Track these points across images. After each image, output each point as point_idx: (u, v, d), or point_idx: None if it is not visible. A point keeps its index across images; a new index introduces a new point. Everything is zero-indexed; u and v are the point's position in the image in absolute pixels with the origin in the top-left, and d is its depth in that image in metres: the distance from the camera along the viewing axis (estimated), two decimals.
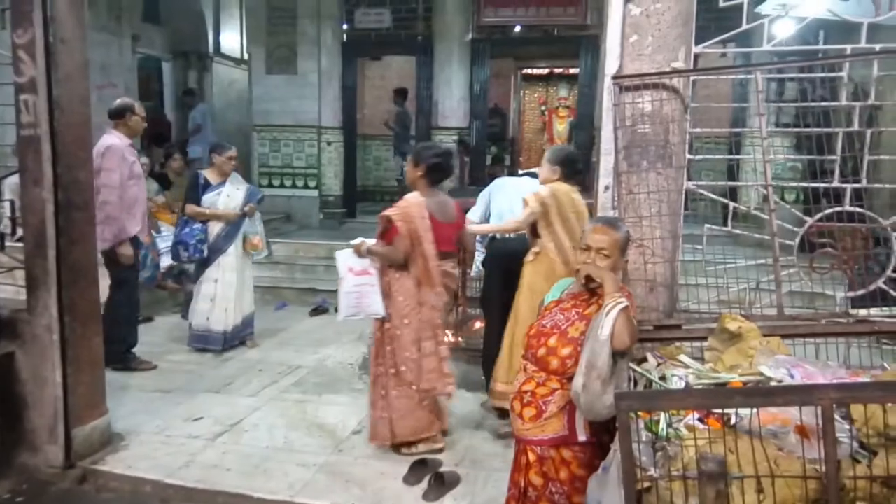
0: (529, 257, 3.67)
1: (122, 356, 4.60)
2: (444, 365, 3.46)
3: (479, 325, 4.80)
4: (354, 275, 3.67)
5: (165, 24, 9.25)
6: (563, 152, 3.80)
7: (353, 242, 3.48)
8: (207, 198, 5.06)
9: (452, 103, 9.25)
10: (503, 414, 3.70)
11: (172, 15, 9.20)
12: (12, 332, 3.44)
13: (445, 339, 3.56)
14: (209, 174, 5.16)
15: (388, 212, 3.43)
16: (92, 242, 3.69)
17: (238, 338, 5.21)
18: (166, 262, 5.91)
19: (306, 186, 9.01)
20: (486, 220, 4.24)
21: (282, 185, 8.97)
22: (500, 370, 3.76)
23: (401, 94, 9.40)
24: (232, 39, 9.97)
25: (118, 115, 4.55)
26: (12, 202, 3.70)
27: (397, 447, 3.49)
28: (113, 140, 4.46)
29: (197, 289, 5.15)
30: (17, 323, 3.43)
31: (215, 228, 5.07)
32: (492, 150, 10.13)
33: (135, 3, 8.22)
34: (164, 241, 5.97)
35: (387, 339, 3.46)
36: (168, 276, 6.00)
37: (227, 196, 5.10)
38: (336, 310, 3.75)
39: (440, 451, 3.50)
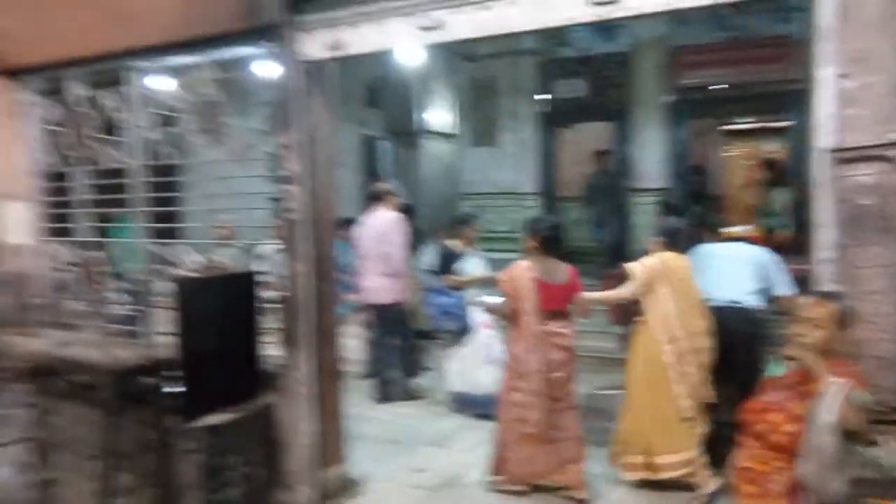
0: (638, 327, 3.91)
1: (387, 391, 5.57)
2: (526, 412, 3.78)
3: None
4: (485, 328, 4.51)
5: (383, 108, 10.34)
6: (666, 226, 4.10)
7: (484, 302, 4.15)
8: (457, 267, 5.30)
9: (650, 165, 9.24)
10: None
11: (389, 99, 10.26)
12: (274, 385, 4.07)
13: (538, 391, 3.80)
14: (454, 245, 5.52)
15: (499, 275, 4.06)
16: (334, 308, 4.29)
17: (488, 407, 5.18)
18: None
19: (507, 250, 9.41)
20: None
21: (484, 249, 9.47)
22: (618, 441, 3.96)
23: (601, 155, 9.28)
24: (440, 117, 10.84)
25: (380, 197, 5.73)
26: (272, 272, 4.41)
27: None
28: (395, 214, 5.57)
29: (458, 356, 5.30)
30: (278, 377, 4.06)
31: (468, 295, 5.23)
32: (694, 209, 9.88)
33: (359, 92, 9.34)
34: None
35: (506, 387, 3.92)
36: None
37: (474, 264, 5.39)
38: None
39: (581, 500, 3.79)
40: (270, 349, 4.23)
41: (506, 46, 8.82)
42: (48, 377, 4.16)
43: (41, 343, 4.33)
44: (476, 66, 9.29)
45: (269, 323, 4.23)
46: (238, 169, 4.65)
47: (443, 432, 4.92)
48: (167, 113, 4.48)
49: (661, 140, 9.17)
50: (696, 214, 9.33)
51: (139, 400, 3.94)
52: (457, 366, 5.31)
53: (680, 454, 3.69)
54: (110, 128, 4.49)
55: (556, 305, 3.87)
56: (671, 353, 3.70)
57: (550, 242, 3.94)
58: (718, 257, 4.08)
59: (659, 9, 3.03)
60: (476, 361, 5.20)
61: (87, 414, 3.99)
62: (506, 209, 9.48)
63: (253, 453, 3.87)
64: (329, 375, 4.05)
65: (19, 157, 4.83)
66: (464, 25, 3.33)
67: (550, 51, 9.11)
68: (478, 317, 4.62)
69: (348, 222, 6.94)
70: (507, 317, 3.94)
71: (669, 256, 3.87)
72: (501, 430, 3.93)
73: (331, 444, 4.03)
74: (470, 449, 4.57)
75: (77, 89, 4.56)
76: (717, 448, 3.60)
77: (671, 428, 3.70)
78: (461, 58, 9.25)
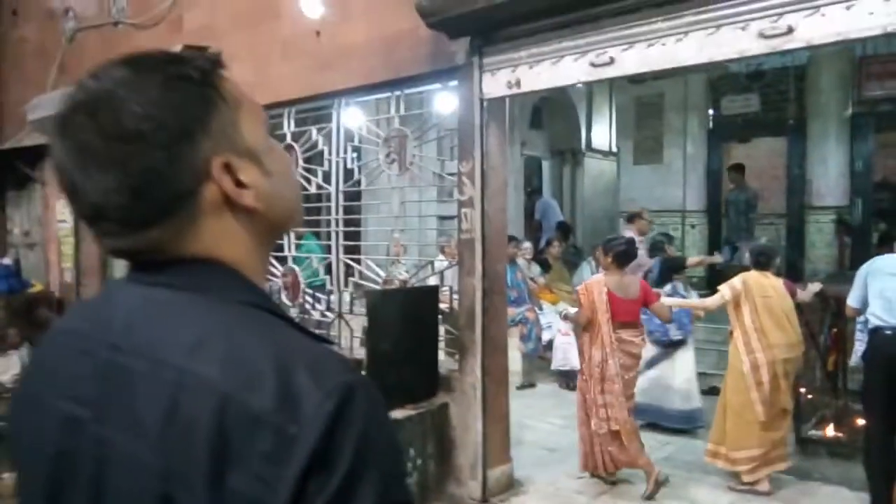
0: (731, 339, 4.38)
1: None
2: (611, 411, 4.22)
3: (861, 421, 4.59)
4: (562, 335, 5.09)
5: (546, 129, 10.68)
6: (754, 247, 4.60)
7: (560, 310, 4.71)
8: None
9: (829, 181, 8.76)
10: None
11: (552, 120, 10.59)
12: (447, 387, 4.49)
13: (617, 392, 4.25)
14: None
15: (577, 288, 4.60)
16: (504, 320, 4.65)
17: (690, 422, 5.26)
18: (547, 336, 6.83)
19: None
20: (865, 305, 3.98)
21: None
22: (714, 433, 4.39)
23: (737, 170, 8.70)
24: (602, 135, 10.99)
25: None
26: (451, 287, 4.86)
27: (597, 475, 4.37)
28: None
29: (658, 367, 5.38)
30: (451, 380, 4.49)
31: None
32: (880, 227, 9.20)
33: (524, 114, 9.75)
34: (545, 318, 6.91)
35: (589, 389, 4.31)
36: (548, 349, 6.88)
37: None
38: None
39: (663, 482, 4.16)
40: (445, 355, 4.69)
41: None
42: None
43: None
44: (640, 86, 9.34)
45: (444, 332, 4.69)
46: (416, 193, 5.19)
47: None
48: (358, 144, 5.11)
49: (841, 155, 8.68)
50: (880, 233, 8.72)
51: None
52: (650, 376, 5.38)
53: (747, 451, 4.15)
54: (315, 157, 5.20)
55: (627, 317, 4.34)
56: (748, 363, 4.16)
57: (622, 258, 4.41)
58: (888, 267, 3.86)
59: (832, 39, 3.08)
60: (667, 377, 5.32)
61: None
62: (668, 227, 9.38)
63: (428, 447, 4.31)
64: (496, 381, 4.41)
65: None
66: (634, 61, 3.57)
67: (721, 67, 8.95)
68: (556, 323, 5.32)
69: (510, 240, 7.31)
70: (583, 325, 4.45)
71: (753, 276, 4.31)
72: (591, 428, 4.29)
73: (497, 444, 4.37)
74: None
75: (288, 126, 5.33)
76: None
77: (743, 428, 4.17)
78: (625, 79, 9.34)
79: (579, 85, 4.30)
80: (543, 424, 5.59)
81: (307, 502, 0.60)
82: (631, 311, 4.37)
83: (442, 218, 8.57)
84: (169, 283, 0.73)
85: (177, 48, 5.41)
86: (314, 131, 5.17)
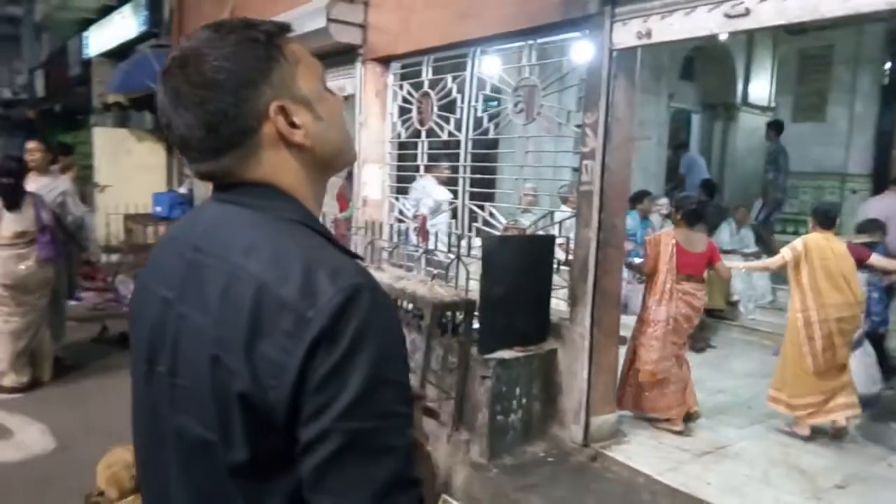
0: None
1: None
2: (650, 355, 4.58)
3: None
4: (627, 283, 5.25)
5: (698, 80, 10.13)
6: (819, 206, 4.77)
7: (628, 260, 4.92)
8: None
9: None
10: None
11: (706, 71, 10.01)
12: (557, 334, 4.62)
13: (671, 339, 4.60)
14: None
15: (646, 238, 5.02)
16: (618, 274, 4.67)
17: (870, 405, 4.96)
18: None
19: None
20: None
21: (795, 233, 8.86)
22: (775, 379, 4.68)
23: (774, 127, 8.26)
24: (760, 89, 10.24)
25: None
26: (567, 238, 4.93)
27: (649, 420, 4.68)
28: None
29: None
30: (561, 328, 4.61)
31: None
32: None
33: (674, 64, 9.31)
34: None
35: (637, 333, 4.70)
36: None
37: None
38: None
39: (678, 432, 4.49)
40: (558, 303, 4.80)
41: None
42: None
43: (385, 276, 5.45)
44: (805, 38, 8.58)
45: (559, 280, 4.79)
46: (546, 143, 5.24)
47: (714, 407, 5.03)
48: (492, 94, 5.23)
49: None
50: None
51: (448, 330, 4.81)
52: None
53: (804, 398, 4.43)
54: (448, 105, 5.39)
55: (691, 270, 4.63)
56: (801, 319, 4.45)
57: (692, 216, 4.71)
58: None
59: None
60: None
61: (410, 335, 4.99)
62: (825, 191, 8.72)
63: (534, 389, 4.50)
64: (606, 333, 4.46)
65: (380, 129, 6.05)
66: (771, 12, 3.38)
67: None
68: (624, 274, 5.40)
69: (644, 195, 7.17)
70: (646, 274, 4.76)
71: (814, 238, 4.52)
72: (628, 369, 4.68)
73: (602, 394, 4.46)
74: (740, 426, 4.65)
75: (426, 74, 5.55)
76: None
77: (800, 376, 4.46)
78: (785, 30, 8.64)
79: (723, 36, 4.13)
80: None
81: (315, 367, 0.80)
82: (695, 265, 4.66)
83: (576, 170, 8.52)
84: (236, 200, 0.95)
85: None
86: (449, 79, 5.35)
